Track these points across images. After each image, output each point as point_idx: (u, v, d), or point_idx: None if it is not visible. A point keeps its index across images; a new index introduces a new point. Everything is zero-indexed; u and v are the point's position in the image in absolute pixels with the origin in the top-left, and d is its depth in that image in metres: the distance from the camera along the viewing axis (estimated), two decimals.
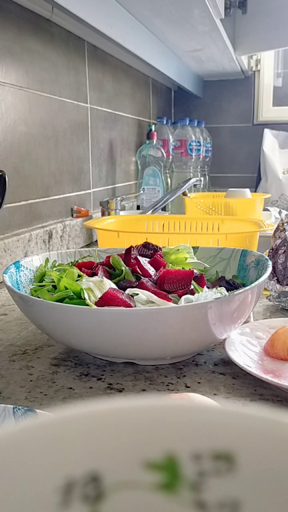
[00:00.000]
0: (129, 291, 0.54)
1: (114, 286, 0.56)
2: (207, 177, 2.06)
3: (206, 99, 2.25)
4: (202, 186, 1.89)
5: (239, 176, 2.26)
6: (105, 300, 0.51)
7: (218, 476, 0.14)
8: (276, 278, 0.72)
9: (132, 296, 0.53)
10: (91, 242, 1.31)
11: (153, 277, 0.60)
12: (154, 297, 0.53)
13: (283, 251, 0.72)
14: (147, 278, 0.58)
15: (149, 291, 0.54)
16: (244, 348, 0.54)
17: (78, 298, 0.52)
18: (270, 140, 2.10)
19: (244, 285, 0.62)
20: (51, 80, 1.10)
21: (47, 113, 1.09)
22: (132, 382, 0.50)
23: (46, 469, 0.14)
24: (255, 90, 2.20)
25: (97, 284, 0.54)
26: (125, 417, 0.14)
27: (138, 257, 0.62)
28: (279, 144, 2.12)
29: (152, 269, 0.61)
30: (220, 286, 0.61)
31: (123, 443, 0.14)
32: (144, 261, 0.62)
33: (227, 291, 0.59)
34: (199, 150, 1.91)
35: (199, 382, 0.50)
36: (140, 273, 0.60)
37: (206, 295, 0.54)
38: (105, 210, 1.28)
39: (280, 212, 0.88)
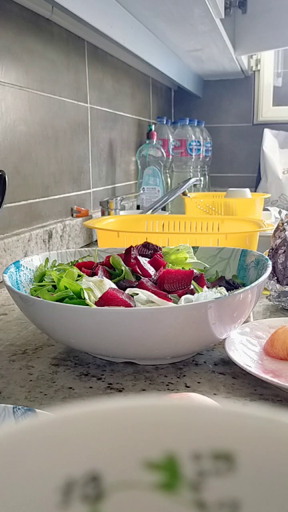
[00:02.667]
0: (129, 291, 0.54)
1: (114, 286, 0.56)
2: (207, 177, 2.06)
3: (206, 99, 2.25)
4: (202, 186, 1.89)
5: (239, 176, 2.26)
6: (105, 300, 0.51)
7: (218, 476, 0.14)
8: (276, 278, 0.72)
9: (132, 296, 0.53)
10: (91, 242, 1.31)
11: (153, 277, 0.60)
12: (154, 297, 0.53)
13: (283, 251, 0.72)
14: (147, 278, 0.58)
15: (149, 291, 0.54)
16: (244, 348, 0.54)
17: (78, 298, 0.52)
18: (270, 140, 2.10)
19: (244, 285, 0.62)
20: (51, 80, 1.10)
21: (47, 113, 1.09)
22: (132, 382, 0.50)
23: (46, 469, 0.14)
24: (255, 90, 2.20)
25: (97, 284, 0.54)
26: (125, 417, 0.14)
27: (138, 257, 0.62)
28: (279, 144, 2.12)
29: (152, 269, 0.61)
30: (220, 286, 0.61)
31: (123, 443, 0.14)
32: (144, 261, 0.62)
33: (227, 291, 0.59)
34: (199, 150, 1.91)
35: (199, 382, 0.50)
36: (140, 273, 0.60)
37: (206, 295, 0.54)
38: (105, 210, 1.28)
39: (280, 212, 0.88)
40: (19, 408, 0.39)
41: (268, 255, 0.74)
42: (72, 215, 1.24)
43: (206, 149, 1.99)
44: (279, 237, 0.74)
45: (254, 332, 0.58)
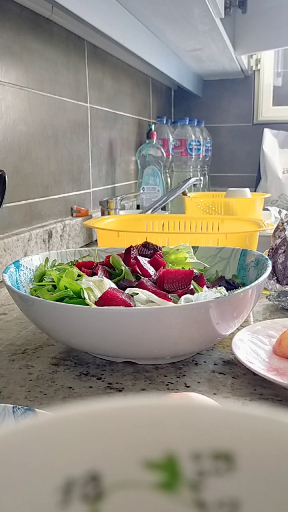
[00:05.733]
0: (129, 290, 0.54)
1: (114, 285, 0.56)
2: (207, 176, 2.06)
3: (206, 98, 2.25)
4: (202, 186, 1.89)
5: (239, 175, 2.26)
6: (105, 300, 0.51)
7: (218, 475, 0.14)
8: (275, 277, 0.72)
9: (132, 296, 0.53)
10: (91, 242, 1.31)
11: (152, 276, 0.60)
12: (154, 297, 0.53)
13: (283, 250, 0.72)
14: (147, 278, 0.58)
15: (149, 290, 0.54)
16: (253, 346, 0.54)
17: (78, 297, 0.52)
18: (270, 140, 2.10)
19: (244, 285, 0.62)
20: (51, 80, 1.10)
21: (47, 112, 1.09)
22: (132, 381, 0.50)
23: (46, 468, 0.14)
24: (255, 89, 2.20)
25: (97, 283, 0.54)
26: (124, 417, 0.14)
27: (138, 256, 0.62)
28: (279, 144, 2.12)
29: (152, 268, 0.61)
30: (219, 286, 0.61)
31: (123, 442, 0.14)
32: (144, 261, 0.62)
33: (227, 290, 0.59)
34: (199, 149, 1.91)
35: (199, 382, 0.50)
36: (140, 273, 0.60)
37: (206, 294, 0.54)
38: (105, 209, 1.28)
39: (280, 212, 0.88)
40: (18, 408, 0.39)
41: (268, 255, 0.74)
42: (72, 214, 1.24)
43: (206, 149, 1.99)
44: (279, 237, 0.74)
45: (267, 331, 0.58)
